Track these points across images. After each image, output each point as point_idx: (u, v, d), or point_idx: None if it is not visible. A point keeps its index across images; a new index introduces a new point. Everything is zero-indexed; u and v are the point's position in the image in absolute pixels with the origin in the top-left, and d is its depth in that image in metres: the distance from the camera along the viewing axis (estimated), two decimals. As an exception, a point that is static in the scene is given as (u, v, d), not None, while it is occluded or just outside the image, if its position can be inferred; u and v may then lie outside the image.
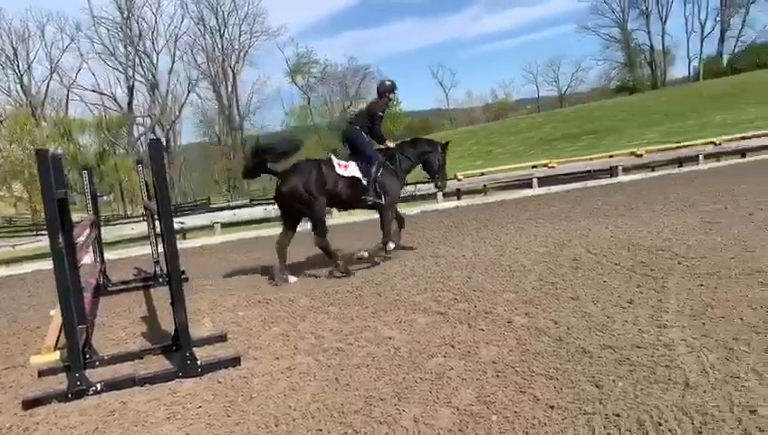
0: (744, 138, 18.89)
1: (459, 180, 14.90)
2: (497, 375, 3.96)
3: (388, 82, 8.39)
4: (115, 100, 65.85)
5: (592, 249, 7.36)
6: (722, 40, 76.48)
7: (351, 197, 7.79)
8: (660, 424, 3.08)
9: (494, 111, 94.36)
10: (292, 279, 7.51)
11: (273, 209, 13.62)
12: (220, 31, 75.38)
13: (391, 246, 8.14)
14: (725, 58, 74.73)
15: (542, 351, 4.26)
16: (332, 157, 7.81)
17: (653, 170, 17.11)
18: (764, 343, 3.92)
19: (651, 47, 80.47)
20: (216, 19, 74.69)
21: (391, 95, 8.39)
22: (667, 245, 7.09)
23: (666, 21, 79.22)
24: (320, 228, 7.50)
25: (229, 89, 76.70)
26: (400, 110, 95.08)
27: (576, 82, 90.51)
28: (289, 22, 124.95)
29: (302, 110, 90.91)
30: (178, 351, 4.74)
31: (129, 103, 65.79)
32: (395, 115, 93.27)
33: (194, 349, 4.65)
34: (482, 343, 4.57)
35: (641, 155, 16.34)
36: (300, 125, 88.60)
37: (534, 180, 14.78)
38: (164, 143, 60.22)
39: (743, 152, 17.86)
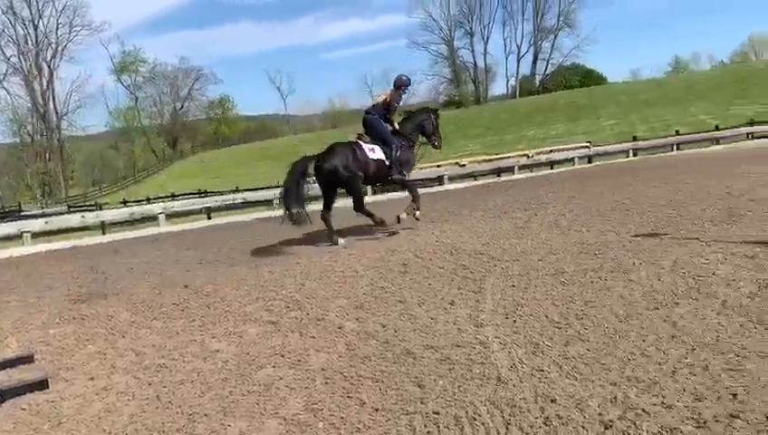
0: (552, 151, 20.95)
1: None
2: (326, 382, 3.97)
3: (404, 78, 9.63)
4: None
5: (420, 254, 7.69)
6: (535, 61, 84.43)
7: (379, 175, 9.24)
8: (475, 419, 3.28)
9: (330, 120, 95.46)
10: (341, 241, 8.82)
11: (93, 216, 12.58)
12: (34, 22, 68.60)
13: (418, 213, 9.66)
14: (538, 78, 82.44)
15: (370, 354, 4.35)
16: (361, 141, 9.03)
17: (475, 179, 18.34)
18: (564, 336, 4.34)
19: (475, 65, 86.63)
20: (30, 9, 67.86)
21: (406, 89, 9.71)
22: (486, 249, 7.61)
23: (487, 42, 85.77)
24: (358, 199, 9.06)
25: (44, 85, 69.95)
26: (237, 114, 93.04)
27: (408, 94, 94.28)
28: (114, 18, 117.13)
29: (130, 110, 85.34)
30: (-29, 378, 4.18)
31: None
32: (231, 119, 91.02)
33: (-9, 375, 4.13)
34: (312, 350, 4.57)
35: (464, 165, 17.44)
36: (126, 126, 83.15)
37: (368, 188, 15.10)
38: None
39: (551, 164, 19.79)
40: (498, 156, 20.40)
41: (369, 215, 9.18)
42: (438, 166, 20.19)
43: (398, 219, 9.42)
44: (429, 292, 5.86)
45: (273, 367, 4.33)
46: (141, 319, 5.86)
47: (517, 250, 7.35)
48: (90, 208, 26.98)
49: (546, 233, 8.28)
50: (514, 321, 4.77)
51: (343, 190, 9.28)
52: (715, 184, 11.19)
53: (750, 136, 21.33)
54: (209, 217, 16.28)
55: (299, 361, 4.40)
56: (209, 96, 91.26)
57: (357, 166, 8.84)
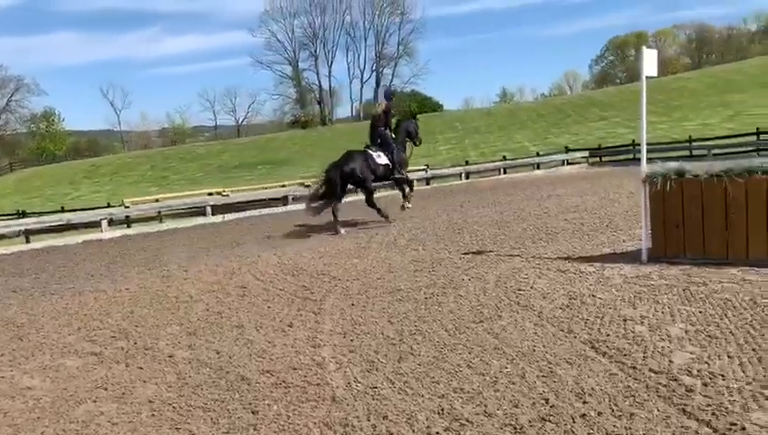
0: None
1: (127, 208, 13.91)
2: (153, 414, 3.72)
3: (393, 88, 12.60)
4: None
5: (260, 276, 7.56)
6: (377, 87, 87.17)
7: (384, 176, 11.59)
8: (309, 441, 3.24)
9: (170, 136, 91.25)
10: (343, 231, 10.67)
11: None
12: None
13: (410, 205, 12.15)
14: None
15: (202, 383, 4.15)
16: (369, 150, 11.41)
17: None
18: (398, 352, 4.45)
19: (320, 87, 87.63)
20: None
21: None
22: (327, 269, 7.66)
23: (332, 65, 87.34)
24: (370, 196, 11.40)
25: None
26: (63, 128, 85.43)
27: (253, 113, 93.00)
28: None
29: (-66, 121, 75.34)
30: None
31: None
32: (57, 134, 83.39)
33: None
34: (139, 381, 4.27)
35: (309, 186, 17.42)
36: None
37: (208, 208, 14.60)
38: None
39: (392, 185, 20.44)
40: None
41: (378, 209, 11.34)
42: (283, 186, 20.04)
43: (403, 208, 11.94)
44: (268, 315, 5.76)
45: (95, 402, 3.98)
46: (-65, 358, 5.12)
47: (358, 269, 7.48)
48: None
49: (386, 252, 8.52)
50: (351, 340, 4.82)
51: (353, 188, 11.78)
52: (534, 205, 12.24)
53: (565, 162, 23.59)
54: (28, 241, 14.74)
55: (124, 393, 4.08)
56: (31, 108, 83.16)
57: (369, 169, 11.17)
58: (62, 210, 27.32)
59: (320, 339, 4.90)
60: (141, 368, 4.54)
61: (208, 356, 4.70)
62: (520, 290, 5.85)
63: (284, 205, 17.13)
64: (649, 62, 6.40)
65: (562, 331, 4.61)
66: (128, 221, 14.89)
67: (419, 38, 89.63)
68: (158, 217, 16.06)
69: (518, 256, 7.47)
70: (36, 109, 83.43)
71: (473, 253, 7.89)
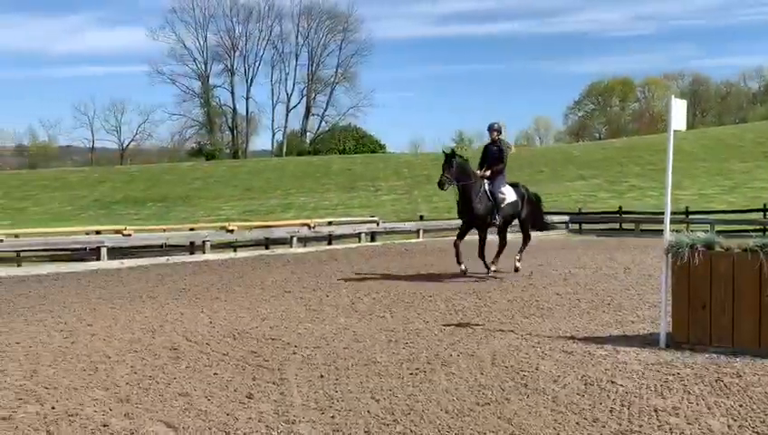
0: (330, 223, 22.04)
1: (1, 241, 13.60)
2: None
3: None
4: None
5: (191, 337, 7.63)
6: (307, 116, 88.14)
7: None
8: None
9: (31, 157, 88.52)
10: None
11: None
12: None
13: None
14: (309, 136, 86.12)
15: (158, 459, 4.22)
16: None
17: (235, 251, 18.44)
18: (394, 434, 4.66)
19: (234, 110, 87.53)
20: None
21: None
22: (277, 333, 7.81)
23: (251, 84, 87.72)
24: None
25: None
26: None
27: (143, 135, 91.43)
28: None
29: None
30: None
31: None
32: None
33: None
34: (73, 454, 4.29)
35: (233, 230, 17.54)
36: None
37: (104, 250, 14.44)
38: None
39: (329, 239, 20.78)
40: (271, 223, 20.87)
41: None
42: (192, 229, 19.98)
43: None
44: (216, 383, 5.85)
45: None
46: None
47: (315, 336, 7.67)
48: None
49: (344, 317, 8.73)
50: (332, 416, 4.99)
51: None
52: (514, 274, 12.76)
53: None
54: None
55: (54, 469, 4.10)
56: None
57: None
58: None
59: (292, 414, 5.04)
60: (70, 439, 4.56)
61: (155, 428, 4.75)
62: (523, 371, 6.19)
63: (195, 252, 17.11)
64: (678, 113, 7.07)
65: (586, 419, 4.95)
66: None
67: (362, 62, 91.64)
68: (17, 260, 15.70)
69: (511, 331, 7.86)
70: None
71: (454, 325, 8.23)
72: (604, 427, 4.78)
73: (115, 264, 14.39)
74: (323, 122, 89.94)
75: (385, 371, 6.23)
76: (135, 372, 6.15)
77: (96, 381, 5.89)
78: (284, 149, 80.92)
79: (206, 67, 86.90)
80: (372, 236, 21.61)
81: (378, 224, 21.81)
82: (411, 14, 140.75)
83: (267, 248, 18.92)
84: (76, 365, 6.39)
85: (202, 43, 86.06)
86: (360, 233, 20.74)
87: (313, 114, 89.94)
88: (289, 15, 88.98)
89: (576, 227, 26.07)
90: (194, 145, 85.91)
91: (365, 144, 77.84)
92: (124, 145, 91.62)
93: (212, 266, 14.86)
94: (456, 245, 12.49)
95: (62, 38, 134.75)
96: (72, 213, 46.94)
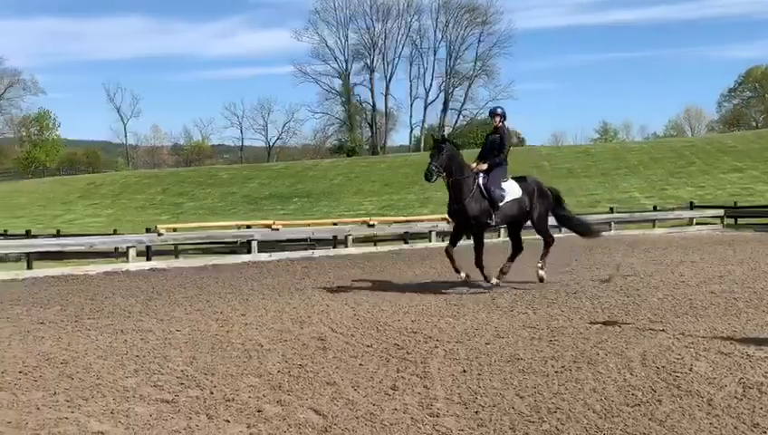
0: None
1: (161, 234, 14.55)
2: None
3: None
4: None
5: (337, 328, 7.85)
6: (445, 111, 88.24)
7: None
8: None
9: (186, 155, 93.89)
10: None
11: None
12: None
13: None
14: (447, 131, 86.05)
15: (309, 445, 4.39)
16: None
17: (376, 245, 18.77)
18: (540, 432, 4.61)
19: (374, 107, 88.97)
20: None
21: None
22: (418, 326, 7.90)
23: (390, 80, 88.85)
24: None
25: None
26: (57, 136, 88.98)
27: (288, 134, 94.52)
28: None
29: None
30: None
31: None
32: (49, 142, 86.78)
33: None
34: (230, 436, 4.54)
35: (374, 225, 17.88)
36: None
37: (254, 244, 15.13)
38: None
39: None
40: (411, 218, 21.11)
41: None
42: (334, 224, 20.51)
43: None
44: (362, 374, 6.00)
45: (181, 456, 4.25)
46: (-23, 389, 5.54)
47: (457, 331, 7.68)
48: None
49: (486, 313, 8.70)
50: (476, 412, 5.00)
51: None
52: (665, 271, 12.26)
53: (692, 221, 23.48)
54: (30, 267, 15.48)
55: (214, 449, 4.35)
56: (24, 110, 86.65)
57: None
58: (58, 234, 28.61)
59: (436, 407, 5.09)
60: (228, 421, 4.81)
61: (305, 415, 4.94)
62: (675, 372, 5.94)
63: (338, 246, 17.57)
64: None
65: (744, 424, 4.70)
66: (148, 252, 15.52)
67: (502, 55, 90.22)
68: (176, 252, 16.69)
69: (662, 331, 7.56)
70: (30, 110, 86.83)
71: (600, 323, 8.01)
72: (765, 433, 4.52)
73: (264, 256, 15.06)
74: (461, 116, 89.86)
75: (529, 368, 6.17)
76: (285, 361, 6.41)
77: (250, 368, 6.19)
78: (422, 145, 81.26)
79: (346, 66, 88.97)
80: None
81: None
82: (550, 3, 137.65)
83: (406, 243, 19.09)
84: (231, 353, 6.73)
85: (343, 42, 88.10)
86: (501, 227, 20.49)
87: (451, 109, 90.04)
88: (427, 11, 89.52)
89: (731, 221, 24.63)
90: (335, 142, 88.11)
91: (504, 138, 76.63)
92: (270, 143, 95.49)
93: (354, 260, 15.23)
94: (447, 252, 10.76)
95: (214, 42, 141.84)
96: (223, 208, 49.42)
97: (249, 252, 15.27)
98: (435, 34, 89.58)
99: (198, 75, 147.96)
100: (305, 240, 18.17)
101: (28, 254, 16.14)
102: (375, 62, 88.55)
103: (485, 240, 11.12)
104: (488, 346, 6.98)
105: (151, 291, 10.86)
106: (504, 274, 10.95)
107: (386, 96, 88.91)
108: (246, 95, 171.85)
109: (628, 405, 5.12)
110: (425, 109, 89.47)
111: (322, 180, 57.11)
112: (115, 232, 25.16)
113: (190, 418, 4.89)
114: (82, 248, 14.86)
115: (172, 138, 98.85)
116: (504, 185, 10.63)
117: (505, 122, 11.12)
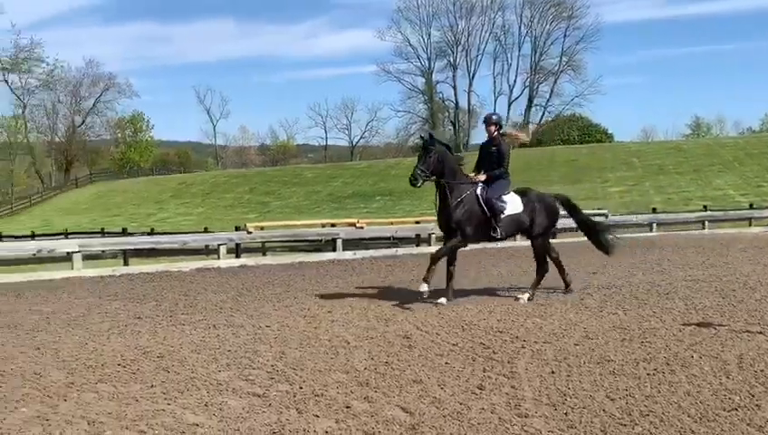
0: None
1: (250, 232, 14.93)
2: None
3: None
4: None
5: (422, 326, 7.86)
6: (529, 107, 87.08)
7: None
8: None
9: (272, 155, 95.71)
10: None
11: None
12: None
13: None
14: (531, 127, 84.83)
15: (397, 442, 4.42)
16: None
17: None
18: (632, 435, 4.51)
19: (456, 105, 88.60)
20: None
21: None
22: (505, 326, 7.83)
23: (473, 77, 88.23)
24: None
25: None
26: (151, 137, 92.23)
27: (371, 132, 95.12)
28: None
29: (14, 120, 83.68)
30: None
31: None
32: (143, 144, 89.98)
33: None
34: (320, 431, 4.61)
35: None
36: (7, 140, 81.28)
37: (339, 242, 15.34)
38: None
39: (554, 233, 20.39)
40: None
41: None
42: (417, 222, 20.57)
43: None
44: (448, 372, 6.00)
45: (273, 449, 4.35)
46: (81, 380, 5.80)
47: (544, 331, 7.58)
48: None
49: (574, 313, 8.55)
50: (566, 413, 4.93)
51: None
52: (763, 271, 11.78)
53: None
54: (126, 263, 16.12)
55: (305, 443, 4.44)
56: (120, 112, 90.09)
57: None
58: (152, 232, 29.68)
59: (524, 408, 5.04)
60: (317, 416, 4.90)
61: (393, 413, 4.97)
62: (776, 377, 5.71)
63: (420, 244, 17.59)
64: None
65: None
66: (237, 250, 15.93)
67: (589, 49, 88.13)
68: (262, 249, 17.05)
69: (760, 333, 7.28)
70: (125, 112, 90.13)
71: (694, 325, 7.76)
72: None
73: (348, 254, 15.25)
74: (546, 112, 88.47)
75: (620, 370, 6.04)
76: (372, 358, 6.47)
77: (337, 364, 6.28)
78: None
79: (429, 64, 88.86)
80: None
81: (606, 217, 21.04)
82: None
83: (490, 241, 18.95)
84: (319, 349, 6.84)
85: (426, 40, 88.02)
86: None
87: (536, 105, 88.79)
88: (512, 7, 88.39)
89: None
90: (417, 140, 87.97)
91: (590, 133, 74.98)
92: (354, 142, 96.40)
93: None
94: (432, 259, 9.57)
95: (299, 44, 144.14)
96: (308, 207, 50.18)
97: (334, 250, 15.51)
98: (519, 30, 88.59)
99: (284, 76, 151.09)
100: (388, 238, 18.29)
101: (124, 251, 16.85)
102: (458, 59, 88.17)
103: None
104: (577, 347, 6.87)
105: (241, 287, 11.15)
106: (531, 295, 9.76)
107: (469, 93, 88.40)
108: (330, 95, 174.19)
109: (724, 410, 4.96)
110: (509, 105, 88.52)
111: (405, 179, 57.06)
112: (206, 230, 26.00)
113: (281, 412, 5.00)
114: (175, 246, 15.42)
115: (259, 138, 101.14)
116: (504, 197, 9.72)
117: (502, 130, 10.39)
